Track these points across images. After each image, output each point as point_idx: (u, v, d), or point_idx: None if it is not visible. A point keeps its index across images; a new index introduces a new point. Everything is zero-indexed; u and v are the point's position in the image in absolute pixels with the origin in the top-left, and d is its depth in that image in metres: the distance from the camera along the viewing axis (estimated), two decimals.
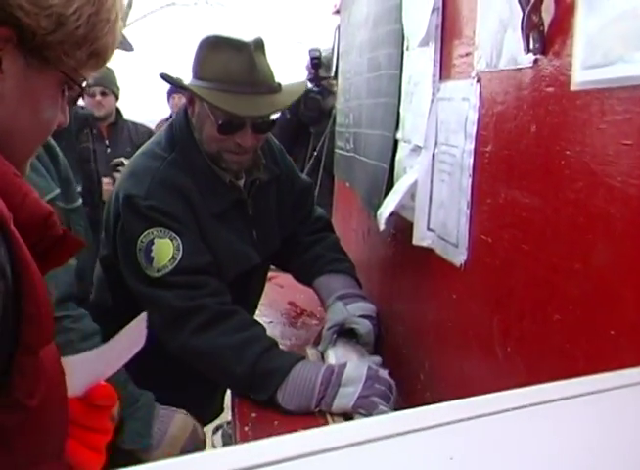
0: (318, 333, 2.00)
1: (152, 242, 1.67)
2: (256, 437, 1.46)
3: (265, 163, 1.93)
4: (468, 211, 1.28)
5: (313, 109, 3.41)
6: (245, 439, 1.48)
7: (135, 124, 4.07)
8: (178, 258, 1.67)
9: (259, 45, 1.75)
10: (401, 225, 1.60)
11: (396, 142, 1.73)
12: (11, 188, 0.73)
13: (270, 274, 2.20)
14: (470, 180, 1.27)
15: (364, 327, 1.81)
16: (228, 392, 2.05)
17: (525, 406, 0.59)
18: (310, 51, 3.71)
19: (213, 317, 1.65)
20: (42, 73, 0.82)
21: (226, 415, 2.20)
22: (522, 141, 1.07)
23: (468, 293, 1.28)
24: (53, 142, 1.58)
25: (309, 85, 3.43)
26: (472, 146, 1.27)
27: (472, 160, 1.27)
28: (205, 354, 1.65)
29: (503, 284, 1.13)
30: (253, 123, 1.72)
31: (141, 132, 3.97)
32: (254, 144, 1.77)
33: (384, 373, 1.65)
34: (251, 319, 1.76)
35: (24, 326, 0.69)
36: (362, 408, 1.54)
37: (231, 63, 1.69)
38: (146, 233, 1.68)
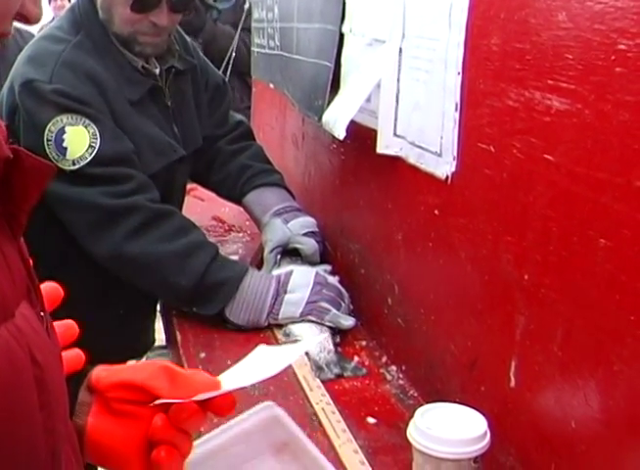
0: (255, 253, 1.82)
1: (62, 130, 1.45)
2: None
3: (179, 51, 1.71)
4: (456, 115, 1.11)
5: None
6: None
7: (19, 30, 3.63)
8: (97, 147, 1.46)
9: None
10: (352, 130, 1.41)
11: (342, 36, 1.52)
12: None
13: (188, 186, 2.00)
14: (459, 78, 1.10)
15: (310, 247, 1.66)
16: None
17: None
18: None
19: (149, 218, 1.48)
20: None
21: None
22: (544, 32, 0.90)
23: (458, 209, 1.12)
24: None
25: None
26: (460, 38, 1.09)
27: (461, 54, 1.09)
28: (143, 262, 1.47)
29: (514, 200, 0.97)
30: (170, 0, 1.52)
31: (27, 38, 3.56)
32: (170, 25, 1.56)
33: (333, 280, 1.56)
34: (190, 221, 1.57)
35: None
36: (311, 315, 1.45)
37: None
38: (54, 121, 1.45)
